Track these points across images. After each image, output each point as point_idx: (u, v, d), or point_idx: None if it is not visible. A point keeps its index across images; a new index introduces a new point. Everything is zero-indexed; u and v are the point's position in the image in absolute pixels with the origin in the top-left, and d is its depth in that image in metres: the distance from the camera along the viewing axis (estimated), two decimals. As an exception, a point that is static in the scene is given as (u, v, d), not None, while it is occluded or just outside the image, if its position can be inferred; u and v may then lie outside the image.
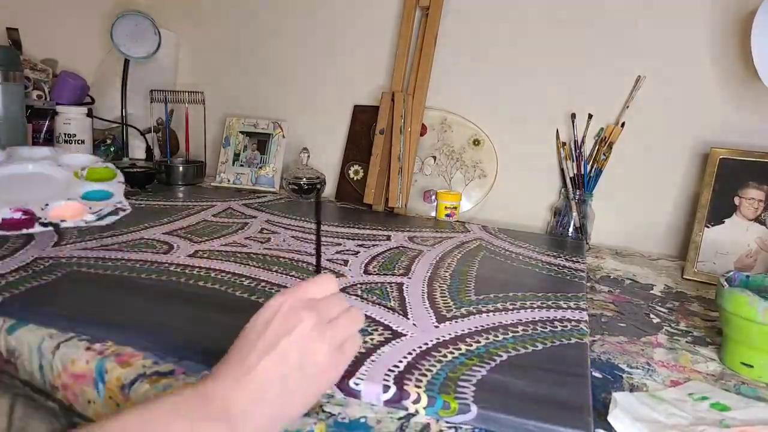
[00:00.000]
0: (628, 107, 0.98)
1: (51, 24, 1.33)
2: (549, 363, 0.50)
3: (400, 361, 0.48)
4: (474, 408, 0.42)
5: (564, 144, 1.03)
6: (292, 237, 0.87)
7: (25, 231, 0.54)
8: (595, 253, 0.95)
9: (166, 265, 0.69)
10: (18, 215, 0.45)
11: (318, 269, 0.47)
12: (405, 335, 0.54)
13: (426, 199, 1.14)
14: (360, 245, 0.84)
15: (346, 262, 0.75)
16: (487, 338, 0.54)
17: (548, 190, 1.07)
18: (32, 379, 0.49)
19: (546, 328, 0.58)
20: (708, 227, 0.85)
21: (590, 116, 1.00)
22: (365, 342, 0.51)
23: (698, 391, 0.48)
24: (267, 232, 0.88)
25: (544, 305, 0.65)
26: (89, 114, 1.24)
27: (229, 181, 1.29)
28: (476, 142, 1.13)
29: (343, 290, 0.64)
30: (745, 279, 0.58)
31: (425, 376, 0.46)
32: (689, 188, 0.96)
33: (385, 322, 0.56)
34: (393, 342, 0.52)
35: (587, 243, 1.00)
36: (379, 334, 0.53)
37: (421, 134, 1.15)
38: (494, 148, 1.12)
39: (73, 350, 0.47)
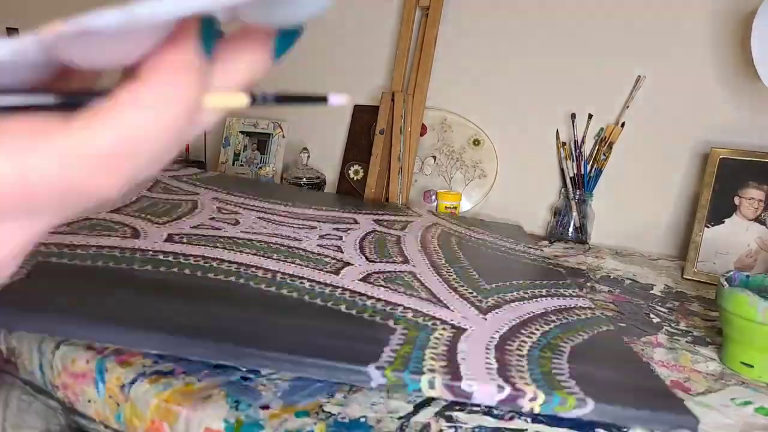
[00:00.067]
0: (628, 107, 0.98)
1: (51, 24, 1.33)
2: (604, 351, 0.50)
3: (487, 358, 0.45)
4: (590, 402, 0.40)
5: (564, 144, 1.04)
6: (260, 218, 0.81)
7: None
8: (595, 253, 0.95)
9: (148, 252, 0.61)
10: None
11: None
12: (465, 329, 0.51)
13: (426, 199, 1.14)
14: (335, 229, 0.80)
15: (339, 248, 0.71)
16: (537, 328, 0.53)
17: (548, 190, 1.07)
18: (33, 379, 0.49)
19: (573, 317, 0.58)
20: (708, 227, 0.85)
21: (590, 116, 1.00)
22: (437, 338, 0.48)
23: (740, 396, 0.48)
24: (228, 212, 0.81)
25: (550, 293, 0.65)
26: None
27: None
28: (476, 142, 1.13)
29: (364, 279, 0.61)
30: (745, 279, 0.58)
31: (521, 372, 0.44)
32: (689, 188, 0.96)
33: (437, 315, 0.53)
34: (462, 337, 0.49)
35: (587, 243, 1.00)
36: (443, 328, 0.50)
37: (421, 134, 1.15)
38: (494, 148, 1.12)
39: (72, 349, 0.47)
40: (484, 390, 0.41)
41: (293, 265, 0.63)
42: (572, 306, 0.62)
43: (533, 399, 0.41)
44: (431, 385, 0.41)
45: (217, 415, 0.40)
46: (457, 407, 0.43)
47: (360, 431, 0.40)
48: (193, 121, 0.21)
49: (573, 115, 1.01)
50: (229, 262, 0.61)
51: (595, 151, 1.01)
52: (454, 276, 0.67)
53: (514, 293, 0.63)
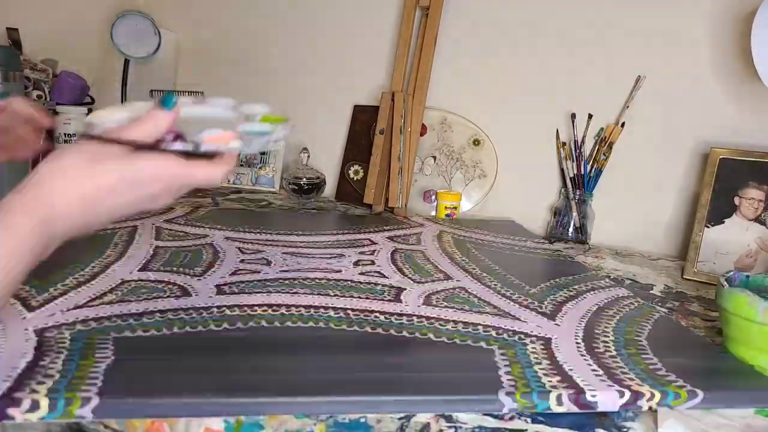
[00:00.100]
0: (628, 107, 0.98)
1: (51, 24, 1.33)
2: (674, 339, 0.57)
3: (589, 365, 0.48)
4: (700, 392, 0.44)
5: (564, 144, 1.04)
6: (285, 253, 0.77)
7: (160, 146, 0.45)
8: (595, 253, 0.95)
9: (212, 309, 0.56)
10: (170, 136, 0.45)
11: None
12: (549, 338, 0.54)
13: (426, 199, 1.14)
14: (360, 253, 0.79)
15: (381, 273, 0.70)
16: (606, 327, 0.57)
17: (548, 190, 1.07)
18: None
19: (624, 308, 0.64)
20: (708, 227, 0.85)
21: (590, 116, 1.00)
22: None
23: None
24: (252, 252, 0.76)
25: (588, 287, 0.70)
26: (89, 114, 1.24)
27: (229, 181, 1.29)
28: (476, 142, 1.13)
29: (426, 302, 0.61)
30: (745, 279, 0.58)
31: (626, 373, 0.47)
32: (689, 188, 0.96)
33: (516, 329, 0.55)
34: (553, 348, 0.51)
35: (587, 243, 1.00)
36: (531, 342, 0.53)
37: (421, 134, 1.15)
38: (494, 148, 1.12)
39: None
40: (608, 397, 0.43)
41: (354, 299, 0.61)
42: (616, 297, 0.68)
43: (650, 398, 0.44)
44: (559, 402, 0.43)
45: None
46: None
47: (360, 431, 0.40)
48: None
49: (573, 115, 1.01)
50: (296, 306, 0.58)
51: (595, 151, 1.01)
52: (499, 285, 0.69)
53: (561, 293, 0.67)
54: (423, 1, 1.12)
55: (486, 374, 0.46)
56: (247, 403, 0.40)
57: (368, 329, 0.54)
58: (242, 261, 0.73)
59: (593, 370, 0.47)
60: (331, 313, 0.57)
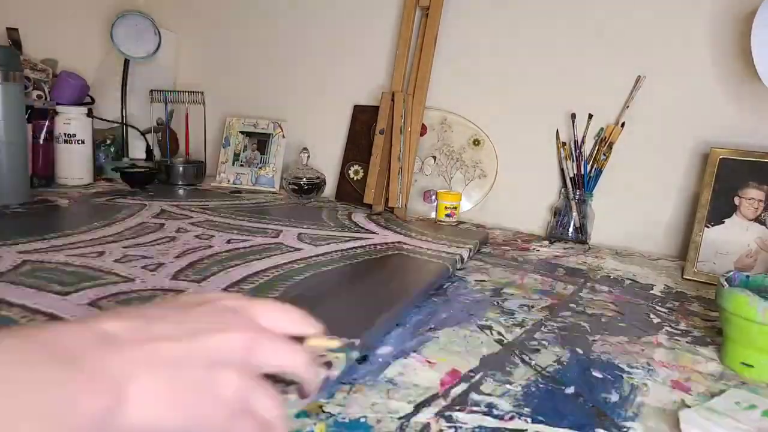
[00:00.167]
0: (628, 107, 0.98)
1: (51, 24, 1.33)
2: None
3: None
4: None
5: (564, 144, 1.04)
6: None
7: None
8: (595, 253, 0.95)
9: None
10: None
11: None
12: None
13: (426, 199, 1.15)
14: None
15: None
16: None
17: (548, 190, 1.07)
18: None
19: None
20: (708, 227, 0.85)
21: (590, 116, 1.00)
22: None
23: (743, 399, 0.48)
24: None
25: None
26: (89, 114, 1.24)
27: (229, 181, 1.29)
28: (476, 142, 1.13)
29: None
30: (745, 279, 0.58)
31: None
32: (689, 188, 0.96)
33: None
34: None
35: (587, 243, 1.00)
36: None
37: (421, 134, 1.15)
38: (494, 148, 1.12)
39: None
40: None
41: None
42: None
43: None
44: None
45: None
46: (457, 407, 0.43)
47: (360, 431, 0.40)
48: None
49: (573, 115, 1.01)
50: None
51: (595, 151, 1.01)
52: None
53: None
54: (423, 1, 1.12)
55: None
56: None
57: None
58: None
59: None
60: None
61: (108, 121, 1.36)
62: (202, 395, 0.28)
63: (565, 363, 0.52)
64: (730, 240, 0.83)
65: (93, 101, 1.32)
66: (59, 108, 1.20)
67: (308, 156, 1.20)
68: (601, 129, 1.01)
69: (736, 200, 0.84)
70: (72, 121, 1.19)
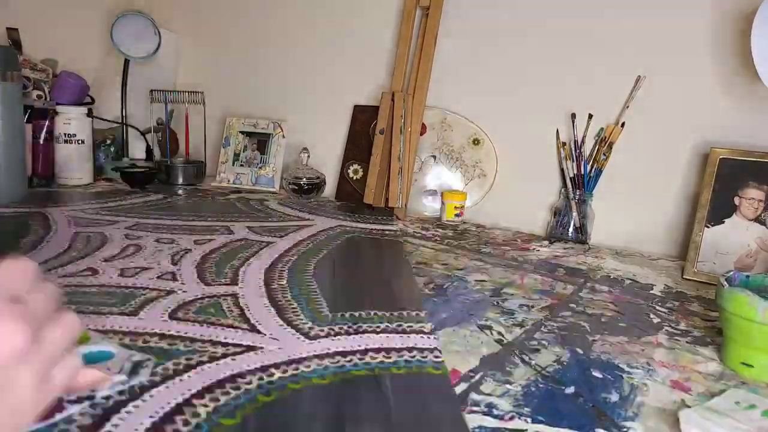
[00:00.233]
0: (628, 107, 0.98)
1: (51, 24, 1.33)
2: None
3: None
4: None
5: (564, 144, 1.03)
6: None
7: (58, 417, 0.38)
8: (595, 253, 0.95)
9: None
10: None
11: None
12: None
13: (426, 198, 1.14)
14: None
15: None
16: None
17: (548, 190, 1.07)
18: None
19: None
20: (708, 227, 0.85)
21: (590, 116, 1.00)
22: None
23: (743, 399, 0.48)
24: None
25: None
26: (89, 114, 1.24)
27: (229, 181, 1.29)
28: (476, 142, 1.13)
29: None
30: (745, 279, 0.58)
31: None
32: (689, 188, 0.96)
33: None
34: None
35: (587, 243, 1.00)
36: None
37: (421, 133, 1.15)
38: (494, 148, 1.12)
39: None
40: None
41: None
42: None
43: None
44: None
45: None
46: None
47: (360, 431, 0.40)
48: None
49: (573, 115, 1.01)
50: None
51: (595, 151, 1.01)
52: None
53: None
54: (423, 1, 1.12)
55: None
56: None
57: None
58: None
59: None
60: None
61: (108, 121, 1.36)
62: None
63: (565, 363, 0.52)
64: (730, 240, 0.83)
65: (93, 101, 1.32)
66: (59, 108, 1.20)
67: (308, 156, 1.20)
68: (601, 129, 1.01)
69: (736, 200, 0.84)
70: (72, 121, 1.19)
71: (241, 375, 0.45)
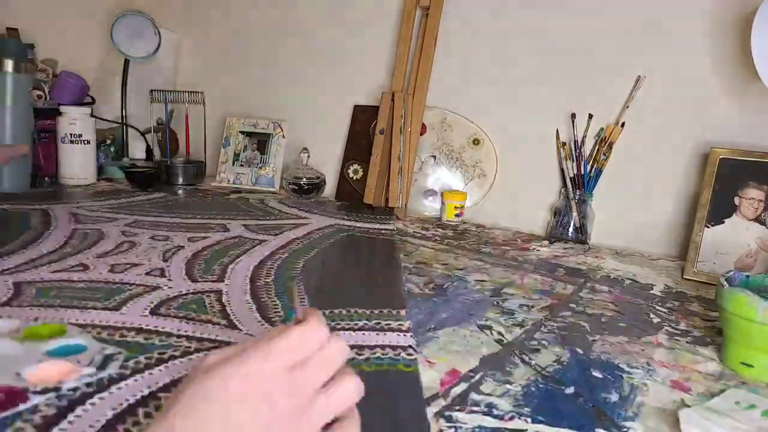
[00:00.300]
0: (628, 107, 0.98)
1: (51, 24, 1.33)
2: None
3: None
4: None
5: (564, 144, 1.03)
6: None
7: (22, 407, 0.37)
8: (595, 253, 0.95)
9: None
10: None
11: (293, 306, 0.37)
12: None
13: (426, 198, 1.14)
14: None
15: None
16: None
17: (548, 190, 1.07)
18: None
19: None
20: (708, 227, 0.85)
21: (590, 116, 1.00)
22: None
23: (743, 399, 0.48)
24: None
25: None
26: (91, 114, 1.24)
27: (229, 181, 1.29)
28: (476, 142, 1.13)
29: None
30: (745, 279, 0.58)
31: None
32: (689, 188, 0.96)
33: None
34: None
35: (587, 243, 1.00)
36: None
37: (421, 133, 1.15)
38: (494, 148, 1.12)
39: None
40: None
41: None
42: None
43: None
44: None
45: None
46: (457, 407, 0.43)
47: (360, 431, 0.40)
48: None
49: (573, 115, 1.01)
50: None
51: (595, 151, 1.01)
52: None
53: None
54: (423, 1, 1.12)
55: None
56: None
57: None
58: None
59: None
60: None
61: (108, 121, 1.36)
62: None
63: (565, 363, 0.52)
64: (730, 240, 0.83)
65: (93, 101, 1.32)
66: (63, 108, 1.20)
67: (308, 156, 1.20)
68: (601, 129, 1.01)
69: (736, 200, 0.84)
70: (77, 121, 1.19)
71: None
